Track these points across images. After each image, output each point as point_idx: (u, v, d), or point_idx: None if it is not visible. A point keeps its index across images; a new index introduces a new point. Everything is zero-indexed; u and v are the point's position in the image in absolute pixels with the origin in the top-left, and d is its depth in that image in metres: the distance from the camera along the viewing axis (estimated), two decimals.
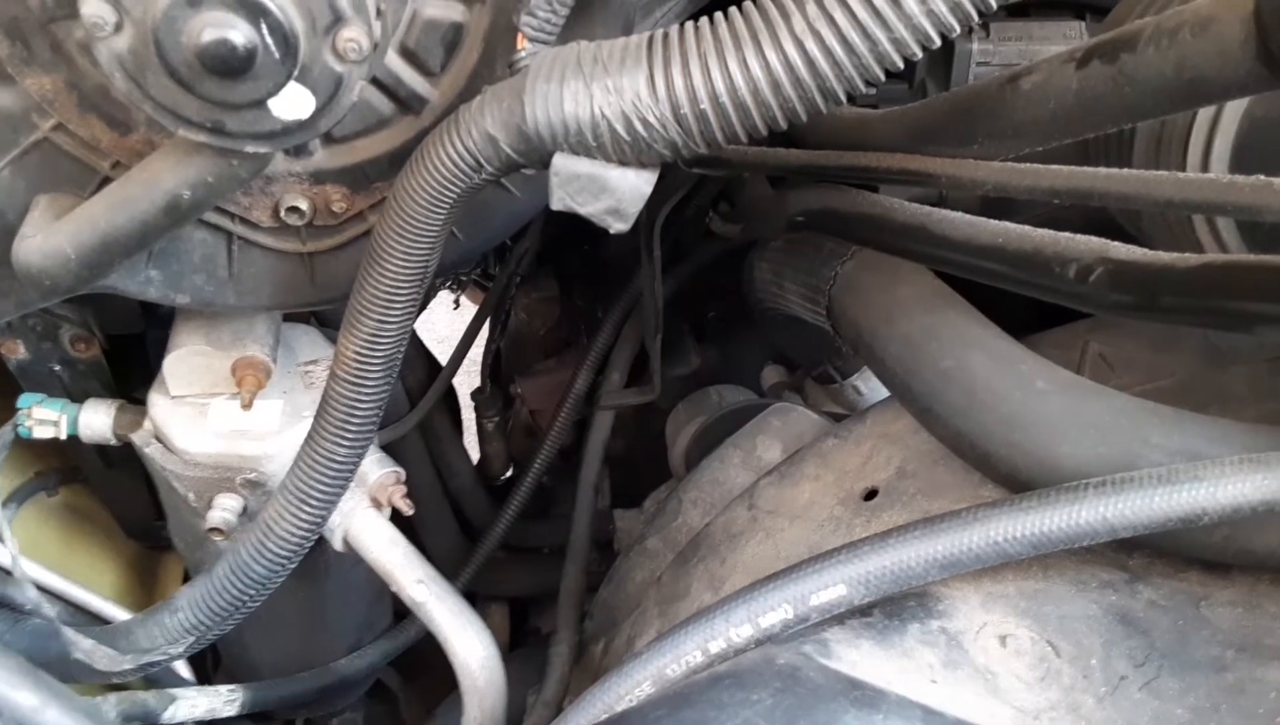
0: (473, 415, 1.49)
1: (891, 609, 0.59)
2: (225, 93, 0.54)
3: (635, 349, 1.25)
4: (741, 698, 0.51)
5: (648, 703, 0.55)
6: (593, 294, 1.45)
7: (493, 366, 1.57)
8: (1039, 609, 0.60)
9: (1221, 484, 0.53)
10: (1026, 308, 0.76)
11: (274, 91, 0.54)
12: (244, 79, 0.53)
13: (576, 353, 1.37)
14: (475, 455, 1.51)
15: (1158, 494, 0.53)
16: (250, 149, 0.57)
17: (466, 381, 1.53)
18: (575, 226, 0.90)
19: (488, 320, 1.44)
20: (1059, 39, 0.98)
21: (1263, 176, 0.46)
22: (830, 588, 0.57)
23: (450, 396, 1.48)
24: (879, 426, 0.81)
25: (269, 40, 0.51)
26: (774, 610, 0.58)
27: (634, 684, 0.59)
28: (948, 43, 0.96)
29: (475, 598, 1.46)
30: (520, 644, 1.50)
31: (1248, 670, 0.58)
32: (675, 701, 0.52)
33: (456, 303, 1.58)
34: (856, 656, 0.56)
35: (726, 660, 0.58)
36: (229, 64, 0.52)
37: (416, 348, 1.27)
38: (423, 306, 1.39)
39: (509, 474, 1.52)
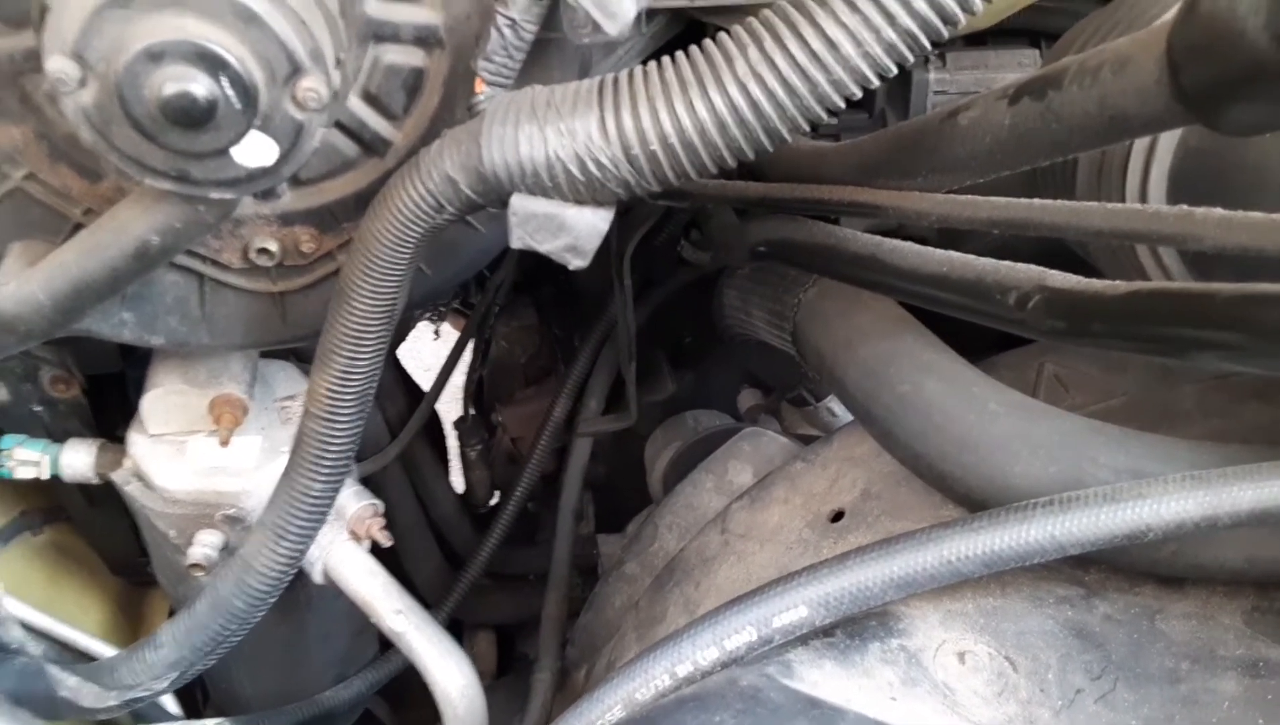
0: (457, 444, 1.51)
1: (853, 629, 0.61)
2: (188, 143, 0.55)
3: (612, 376, 1.27)
4: (704, 719, 0.52)
5: None
6: (570, 323, 1.47)
7: (475, 395, 1.59)
8: (997, 626, 0.61)
9: (1165, 501, 0.55)
10: (992, 331, 0.78)
11: (236, 140, 0.56)
12: (206, 129, 0.55)
13: (556, 381, 1.38)
14: (460, 484, 1.53)
15: (1103, 512, 0.55)
16: (215, 195, 0.59)
17: (454, 411, 1.54)
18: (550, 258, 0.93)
19: (469, 349, 1.46)
20: (1014, 67, 1.00)
21: (1185, 207, 0.48)
22: (792, 609, 0.59)
23: (434, 426, 1.49)
24: (844, 449, 0.83)
25: (229, 92, 0.53)
26: (738, 633, 0.59)
27: (605, 709, 0.60)
28: (905, 72, 0.99)
29: (462, 626, 1.47)
30: (508, 671, 1.51)
31: (1201, 681, 0.59)
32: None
33: (437, 333, 1.59)
34: (818, 676, 0.57)
35: (694, 683, 0.59)
36: (191, 116, 0.53)
37: (397, 378, 1.28)
38: (401, 337, 1.42)
39: (494, 502, 1.53)
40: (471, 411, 1.52)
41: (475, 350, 1.57)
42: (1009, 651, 0.59)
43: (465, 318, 1.54)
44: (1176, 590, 0.64)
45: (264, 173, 0.58)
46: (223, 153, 0.57)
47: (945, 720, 0.55)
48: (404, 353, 1.51)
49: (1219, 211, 0.46)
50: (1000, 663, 0.59)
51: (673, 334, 1.38)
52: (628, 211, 1.07)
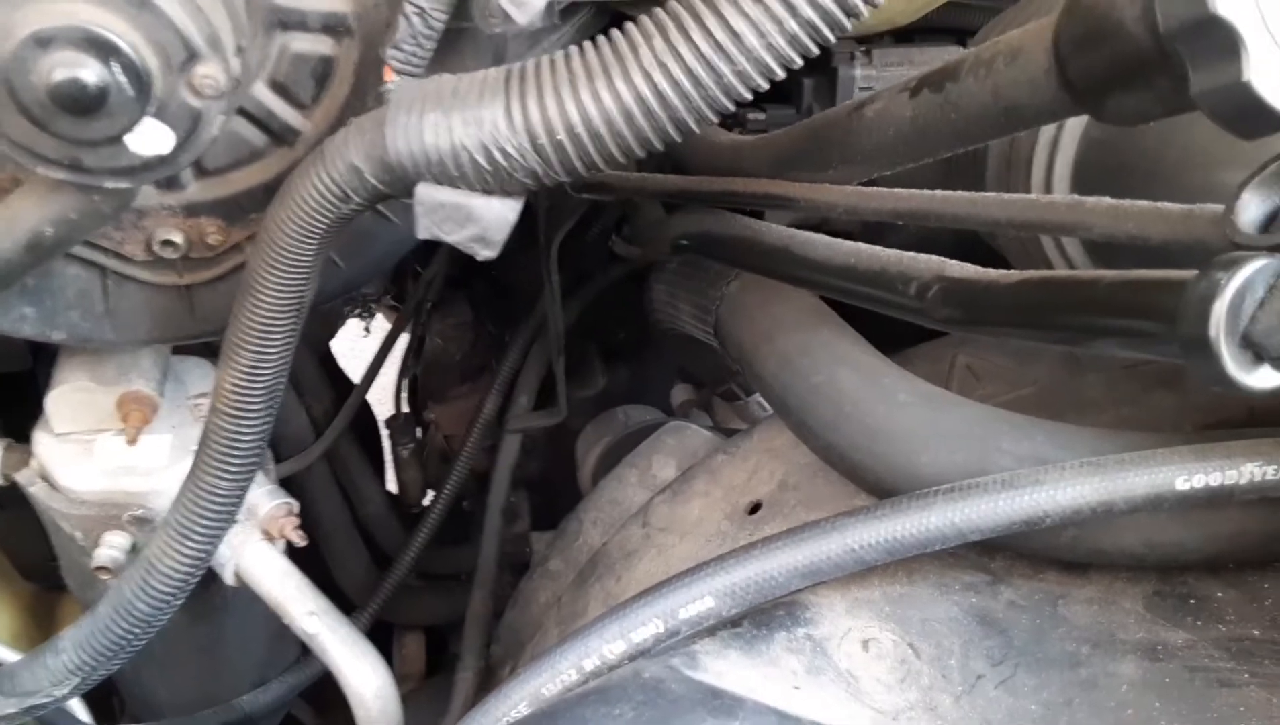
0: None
1: (760, 619, 0.61)
2: (80, 130, 0.54)
3: (543, 371, 1.26)
4: (605, 712, 0.52)
5: (517, 723, 0.56)
6: (505, 319, 1.46)
7: (409, 394, 1.57)
8: (902, 613, 0.62)
9: (1061, 487, 0.56)
10: (913, 325, 0.79)
11: (129, 128, 0.54)
12: (98, 116, 0.53)
13: (490, 378, 1.37)
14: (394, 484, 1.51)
15: (1001, 498, 0.56)
16: (110, 185, 0.58)
17: (391, 409, 1.52)
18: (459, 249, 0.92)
19: (401, 345, 1.44)
20: (939, 63, 1.02)
21: (1077, 196, 0.49)
22: (698, 601, 0.59)
23: (368, 425, 1.47)
24: (764, 441, 0.83)
25: (121, 78, 0.52)
26: (645, 625, 0.59)
27: (511, 705, 0.60)
28: (832, 69, 1.00)
29: (391, 627, 1.45)
30: (440, 672, 1.50)
31: (1101, 665, 0.60)
32: (541, 719, 0.53)
33: (367, 329, 1.57)
34: (723, 667, 0.58)
35: (601, 676, 0.59)
36: (81, 102, 0.52)
37: (323, 376, 1.26)
38: (330, 334, 1.40)
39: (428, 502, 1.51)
40: (404, 410, 1.51)
41: (408, 347, 1.55)
42: (913, 638, 0.60)
43: (399, 314, 1.52)
44: (1080, 576, 0.65)
45: (161, 161, 0.57)
46: (116, 141, 0.55)
47: (847, 708, 0.55)
48: (344, 352, 1.49)
49: (1107, 201, 0.47)
50: (904, 650, 0.59)
51: (606, 329, 1.38)
52: (554, 205, 1.06)
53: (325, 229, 0.60)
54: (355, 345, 1.93)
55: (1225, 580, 0.65)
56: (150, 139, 0.55)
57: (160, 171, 0.58)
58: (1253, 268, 0.37)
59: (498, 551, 1.21)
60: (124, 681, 1.09)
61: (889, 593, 0.63)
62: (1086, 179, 0.65)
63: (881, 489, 0.65)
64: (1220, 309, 0.37)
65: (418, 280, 1.39)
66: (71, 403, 0.83)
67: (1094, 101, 0.45)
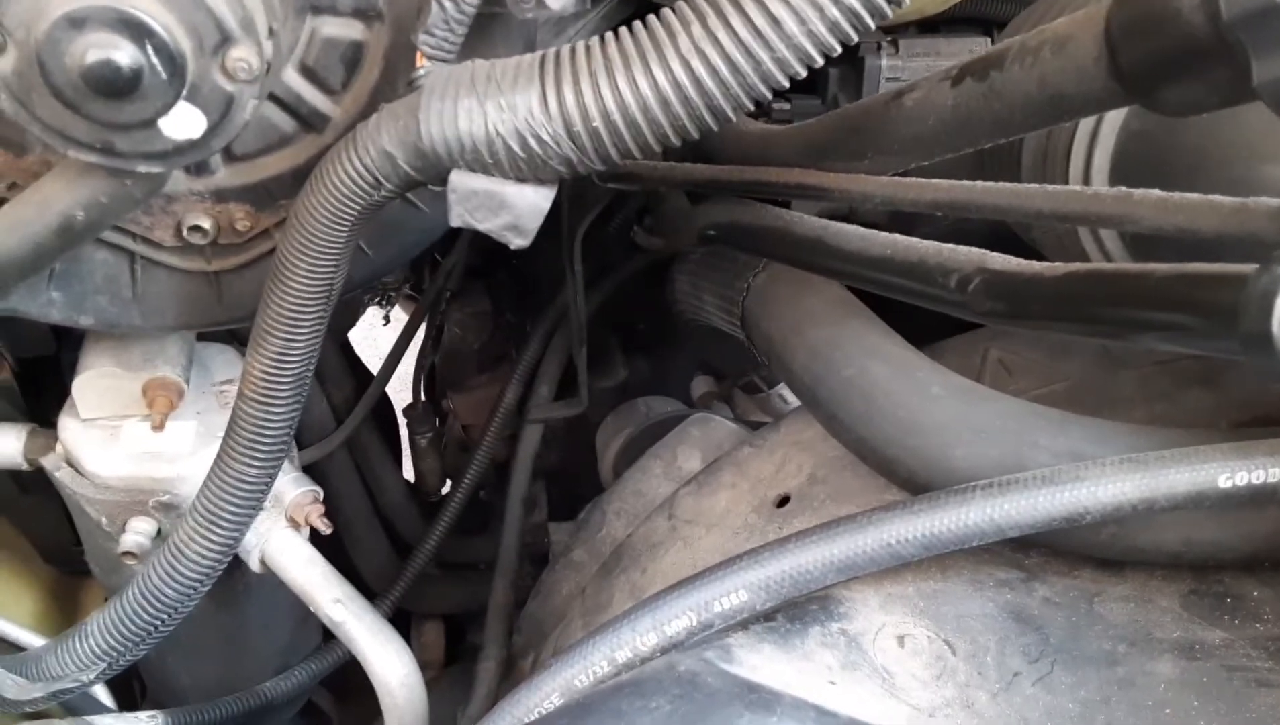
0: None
1: (794, 613, 0.61)
2: (113, 113, 0.53)
3: (564, 362, 1.26)
4: (640, 705, 0.51)
5: (550, 714, 0.56)
6: (524, 309, 1.45)
7: (427, 383, 1.57)
8: (937, 609, 0.61)
9: (1102, 484, 0.55)
10: (946, 319, 0.78)
11: (162, 111, 0.54)
12: (131, 99, 0.53)
13: (509, 367, 1.37)
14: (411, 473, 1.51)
15: (1041, 495, 0.55)
16: (142, 169, 0.57)
17: (408, 398, 1.52)
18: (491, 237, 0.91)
19: (420, 335, 1.44)
20: (965, 54, 1.00)
21: (1124, 189, 0.48)
22: (732, 594, 0.58)
23: (385, 414, 1.47)
24: (791, 434, 0.82)
25: (155, 60, 0.51)
26: (678, 618, 0.58)
27: (543, 696, 0.59)
28: (858, 59, 0.99)
29: (410, 615, 1.45)
30: (458, 661, 1.50)
31: (1138, 663, 0.60)
32: (576, 711, 0.53)
33: (387, 318, 1.57)
34: (758, 660, 0.57)
35: (633, 669, 0.59)
36: (114, 85, 0.51)
37: (345, 364, 1.26)
38: (350, 323, 1.39)
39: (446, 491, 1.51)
40: (422, 399, 1.50)
41: (426, 337, 1.55)
42: (948, 635, 0.59)
43: (417, 303, 1.52)
44: (1115, 573, 0.65)
45: (192, 146, 0.56)
46: (149, 124, 0.55)
47: (883, 704, 0.55)
48: (360, 341, 1.49)
49: (1156, 193, 0.46)
50: (939, 646, 0.59)
51: (627, 320, 1.37)
52: (578, 195, 1.06)
53: (356, 215, 0.60)
54: (370, 333, 1.93)
55: (1261, 579, 0.64)
56: (183, 123, 0.55)
57: (192, 156, 0.57)
58: None
59: (518, 541, 1.20)
60: (147, 666, 1.09)
61: (923, 588, 0.62)
62: (1126, 172, 0.64)
63: (914, 484, 0.64)
64: None
65: (437, 269, 1.38)
66: (98, 388, 0.83)
67: (1146, 91, 0.44)
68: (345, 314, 1.30)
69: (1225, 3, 0.36)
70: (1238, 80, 0.38)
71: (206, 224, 0.70)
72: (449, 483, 1.49)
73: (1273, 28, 0.35)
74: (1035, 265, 0.50)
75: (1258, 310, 0.36)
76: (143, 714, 0.93)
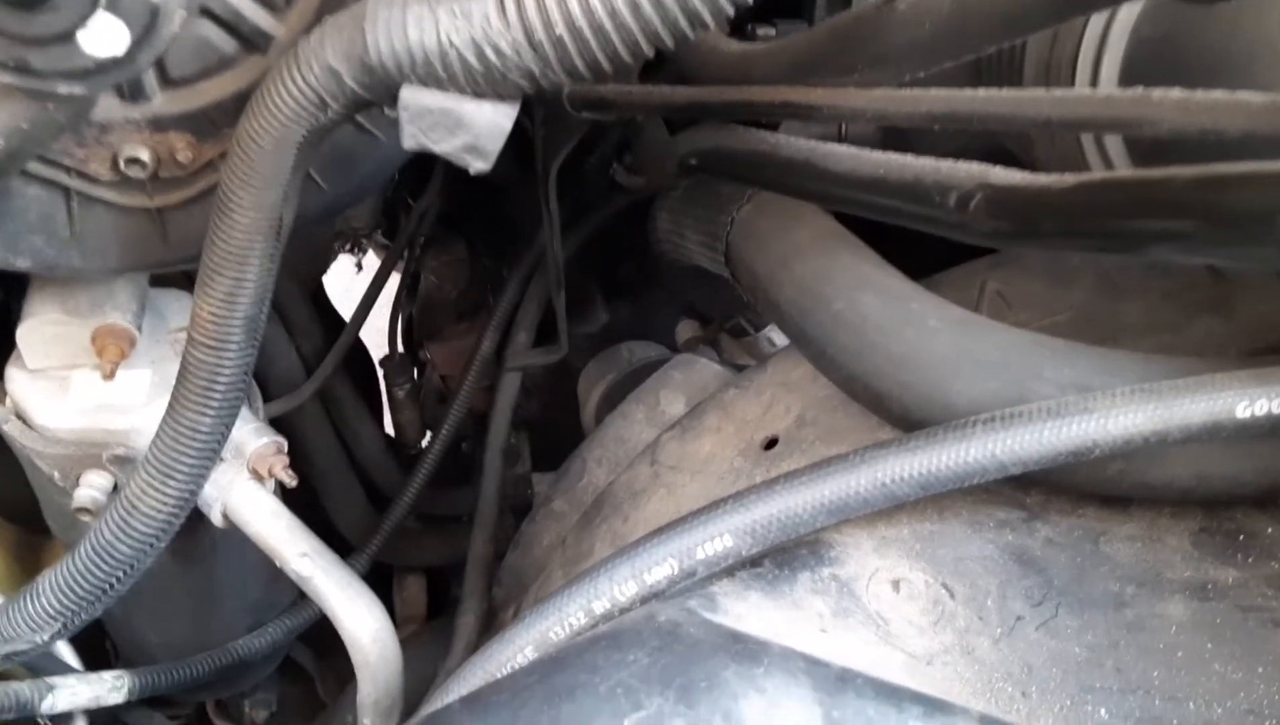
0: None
1: (782, 559, 0.57)
2: (25, 26, 0.48)
3: (542, 307, 1.21)
4: (617, 659, 0.48)
5: (522, 669, 0.52)
6: (500, 254, 1.40)
7: (404, 333, 1.52)
8: (934, 552, 0.58)
9: (1112, 416, 0.51)
10: (939, 250, 0.74)
11: (80, 23, 0.49)
12: (44, 9, 0.48)
13: (488, 315, 1.32)
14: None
15: (1047, 428, 0.51)
16: (63, 90, 0.52)
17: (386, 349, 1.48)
18: (478, 183, 0.86)
19: (394, 284, 1.39)
20: None
21: (1141, 89, 0.43)
22: (716, 539, 0.54)
23: (363, 365, 1.42)
24: (779, 375, 0.79)
25: None
26: (658, 566, 0.55)
27: (515, 650, 0.56)
28: None
29: (392, 570, 1.42)
30: (442, 614, 1.47)
31: (1147, 605, 0.56)
32: (548, 666, 0.49)
33: (359, 266, 1.52)
34: (744, 609, 0.54)
35: (612, 620, 0.55)
36: None
37: (314, 315, 1.21)
38: (321, 270, 1.34)
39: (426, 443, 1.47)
40: (399, 349, 1.46)
41: (401, 285, 1.50)
42: (946, 578, 0.56)
43: (390, 250, 1.47)
44: (1121, 512, 0.61)
45: (116, 63, 0.51)
46: (66, 38, 0.50)
47: (877, 651, 0.51)
48: (339, 293, 1.44)
49: (1177, 92, 0.42)
50: (937, 590, 0.55)
51: (607, 263, 1.32)
52: (552, 128, 1.00)
53: (302, 140, 0.55)
54: (351, 286, 1.88)
55: (1275, 516, 0.61)
56: (104, 36, 0.50)
57: (117, 74, 0.52)
58: None
59: (498, 492, 1.17)
60: (114, 626, 1.06)
61: (918, 531, 0.59)
62: (1138, 81, 0.58)
63: (910, 421, 0.61)
64: None
65: (409, 214, 1.33)
66: (44, 337, 0.79)
67: None
68: (313, 260, 1.25)
69: None
70: None
71: (145, 155, 0.65)
72: (429, 434, 1.45)
73: None
74: (1043, 178, 0.46)
75: None
76: (108, 674, 0.90)
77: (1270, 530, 0.60)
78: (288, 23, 0.62)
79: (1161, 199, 0.40)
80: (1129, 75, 0.59)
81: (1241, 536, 0.59)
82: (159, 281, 0.87)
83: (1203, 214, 0.38)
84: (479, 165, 0.54)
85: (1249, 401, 0.50)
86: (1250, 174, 0.36)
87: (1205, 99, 0.41)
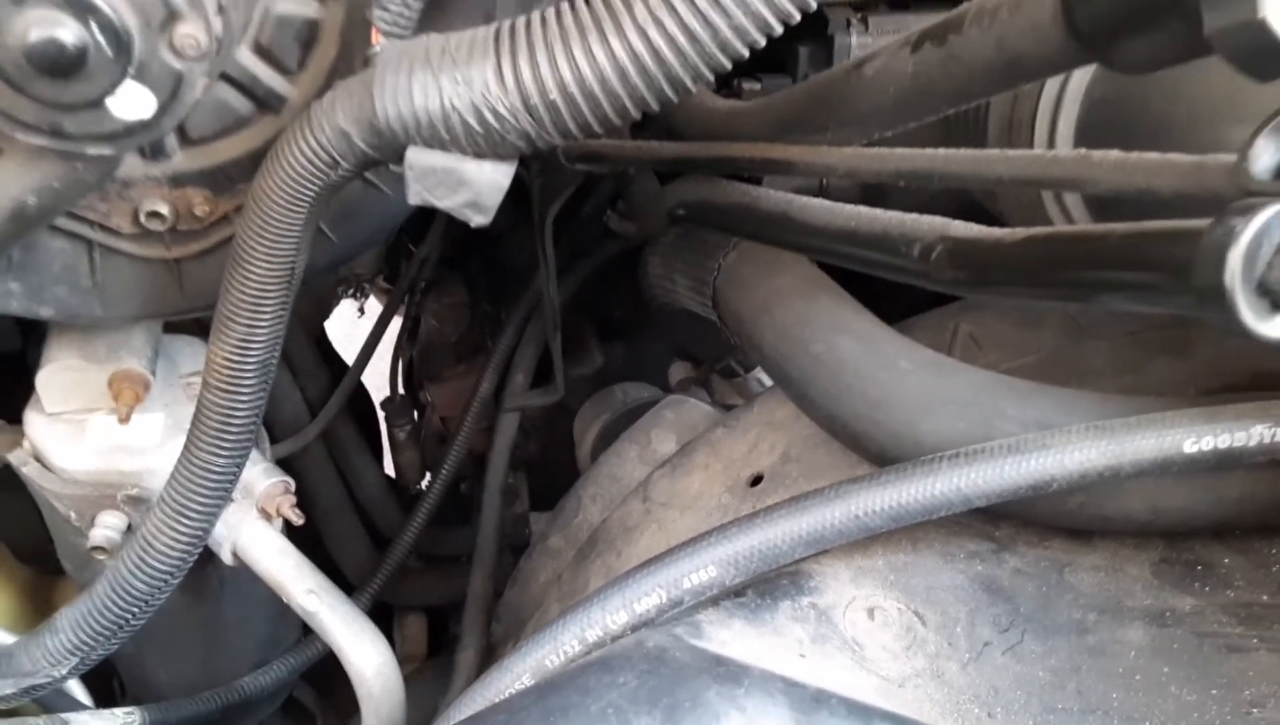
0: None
1: (764, 588, 0.60)
2: (59, 93, 0.53)
3: (539, 350, 1.25)
4: (609, 681, 0.51)
5: (519, 693, 0.55)
6: (499, 298, 1.45)
7: (405, 375, 1.56)
8: (907, 581, 0.61)
9: (1068, 451, 0.55)
10: (920, 296, 0.78)
11: (110, 90, 0.53)
12: (77, 79, 0.52)
13: (487, 358, 1.36)
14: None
15: (1007, 463, 0.55)
16: (93, 151, 0.56)
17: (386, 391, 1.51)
18: (477, 230, 0.90)
19: (395, 327, 1.43)
20: None
21: (1083, 151, 0.47)
22: (701, 570, 0.58)
23: (364, 407, 1.46)
24: (764, 414, 0.82)
25: (99, 38, 0.50)
26: (648, 596, 0.58)
27: (513, 677, 0.59)
28: (828, 37, 0.99)
29: (391, 609, 1.44)
30: (441, 652, 1.49)
31: (1108, 631, 0.60)
32: (544, 690, 0.52)
33: (361, 310, 1.56)
34: (727, 635, 0.57)
35: (604, 647, 0.58)
36: (59, 63, 0.51)
37: (318, 358, 1.25)
38: (324, 315, 1.38)
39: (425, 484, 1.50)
40: (400, 391, 1.49)
41: (403, 328, 1.54)
42: (918, 606, 0.59)
43: (392, 294, 1.51)
44: (1085, 544, 0.64)
45: (143, 126, 0.56)
46: (97, 104, 0.54)
47: (853, 676, 0.54)
48: (340, 337, 1.48)
49: (1115, 153, 0.46)
50: (909, 617, 0.58)
51: (602, 307, 1.36)
52: (549, 179, 1.05)
53: (314, 197, 0.59)
54: (353, 331, 1.92)
55: (1232, 547, 0.64)
56: (132, 102, 0.54)
57: (143, 137, 0.56)
58: (1269, 213, 0.36)
59: (497, 531, 1.20)
60: (124, 663, 1.08)
61: (893, 561, 0.62)
62: (1091, 139, 0.63)
63: (885, 458, 0.64)
64: (1236, 256, 0.36)
65: (411, 259, 1.37)
66: (62, 381, 0.82)
67: (1103, 47, 0.43)
68: (318, 306, 1.29)
69: None
70: (1192, 32, 0.38)
71: (164, 210, 0.69)
72: (429, 475, 1.49)
73: None
74: (996, 231, 0.50)
75: (1211, 264, 0.36)
76: (119, 710, 0.92)
77: (1227, 561, 0.63)
78: (300, 86, 0.67)
79: (1099, 252, 0.44)
80: (1084, 133, 0.64)
81: (1199, 567, 0.63)
82: (171, 328, 0.91)
83: (1135, 266, 0.42)
84: (479, 220, 0.59)
85: (1196, 437, 0.54)
86: (1174, 229, 0.40)
87: (1140, 160, 0.45)
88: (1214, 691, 0.55)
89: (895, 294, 0.75)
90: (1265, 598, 0.60)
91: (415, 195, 0.57)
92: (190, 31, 0.52)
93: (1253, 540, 0.63)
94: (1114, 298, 0.45)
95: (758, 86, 0.99)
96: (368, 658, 0.80)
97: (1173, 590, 0.61)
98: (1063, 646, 0.58)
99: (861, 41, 0.99)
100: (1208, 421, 0.55)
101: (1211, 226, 0.37)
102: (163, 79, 0.54)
